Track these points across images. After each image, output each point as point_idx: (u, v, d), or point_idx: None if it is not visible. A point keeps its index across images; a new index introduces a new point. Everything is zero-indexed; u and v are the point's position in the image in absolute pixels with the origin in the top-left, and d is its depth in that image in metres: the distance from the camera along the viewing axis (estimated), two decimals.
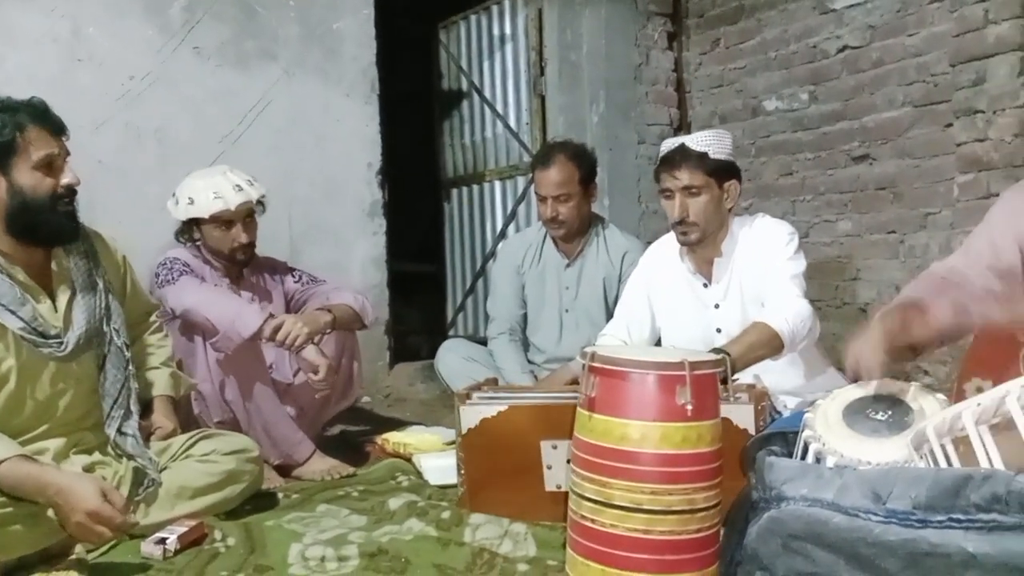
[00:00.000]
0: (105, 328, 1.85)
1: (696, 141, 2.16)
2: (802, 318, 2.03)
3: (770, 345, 1.98)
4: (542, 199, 2.74)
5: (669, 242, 2.34)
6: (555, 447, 1.82)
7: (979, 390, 1.65)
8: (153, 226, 2.78)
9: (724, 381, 1.65)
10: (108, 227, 1.99)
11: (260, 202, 2.44)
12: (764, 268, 2.15)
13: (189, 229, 2.41)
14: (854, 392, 1.44)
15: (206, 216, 2.33)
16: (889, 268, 3.28)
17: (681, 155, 2.15)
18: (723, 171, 2.16)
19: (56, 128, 1.74)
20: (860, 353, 1.42)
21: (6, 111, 1.69)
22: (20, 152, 1.68)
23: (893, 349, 1.43)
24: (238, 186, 2.35)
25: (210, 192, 2.32)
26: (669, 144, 2.22)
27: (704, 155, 2.13)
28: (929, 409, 1.33)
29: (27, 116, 1.70)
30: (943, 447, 1.15)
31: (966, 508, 1.05)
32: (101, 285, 1.87)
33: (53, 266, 1.81)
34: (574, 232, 2.78)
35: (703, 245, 2.23)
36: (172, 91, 3.06)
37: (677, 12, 4.12)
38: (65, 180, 1.74)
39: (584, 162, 2.75)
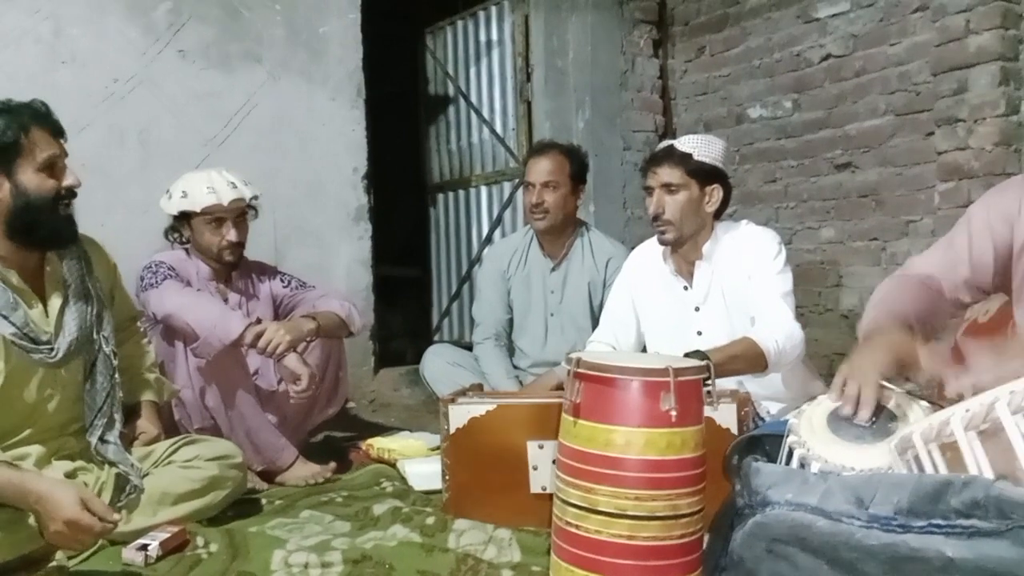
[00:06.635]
0: (95, 336, 1.84)
1: (684, 142, 2.19)
2: (793, 343, 2.02)
3: (753, 362, 1.97)
4: (530, 186, 2.75)
5: (653, 244, 2.34)
6: (541, 447, 1.84)
7: None
8: (136, 229, 2.77)
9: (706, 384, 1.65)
10: (90, 229, 1.97)
11: (252, 206, 2.44)
12: (749, 276, 2.15)
13: (180, 226, 2.40)
14: None
15: (198, 210, 2.32)
16: (871, 275, 3.31)
17: (665, 153, 2.19)
18: (706, 174, 2.17)
19: (57, 130, 1.74)
20: (852, 375, 1.42)
21: (10, 113, 1.68)
22: (24, 153, 1.68)
23: (885, 373, 1.43)
24: (232, 183, 2.36)
25: (203, 186, 2.32)
26: (662, 145, 2.26)
27: (688, 156, 2.16)
28: (913, 416, 1.34)
29: (30, 118, 1.69)
30: (930, 453, 1.16)
31: (946, 514, 1.06)
32: (93, 292, 1.86)
33: (47, 270, 1.80)
34: (557, 227, 2.78)
35: (684, 247, 2.23)
36: (156, 93, 3.04)
37: (663, 20, 4.15)
38: (67, 182, 1.74)
39: (575, 158, 2.79)
